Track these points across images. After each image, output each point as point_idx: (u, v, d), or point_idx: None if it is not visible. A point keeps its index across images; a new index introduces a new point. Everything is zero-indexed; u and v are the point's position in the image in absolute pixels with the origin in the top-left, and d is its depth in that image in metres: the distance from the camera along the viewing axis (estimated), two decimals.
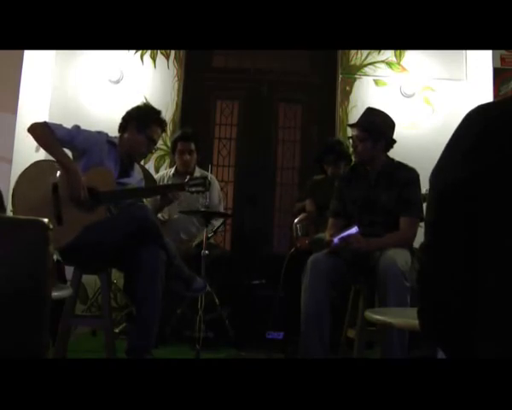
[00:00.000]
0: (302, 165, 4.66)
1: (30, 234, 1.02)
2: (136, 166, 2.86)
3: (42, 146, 2.60)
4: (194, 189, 2.77)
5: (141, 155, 2.84)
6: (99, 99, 4.38)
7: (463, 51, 4.46)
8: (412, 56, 4.51)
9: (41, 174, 2.50)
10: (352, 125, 2.82)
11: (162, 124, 2.80)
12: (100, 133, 2.70)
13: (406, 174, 2.66)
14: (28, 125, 2.57)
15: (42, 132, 2.53)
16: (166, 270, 2.47)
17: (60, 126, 2.57)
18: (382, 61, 4.52)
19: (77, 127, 2.62)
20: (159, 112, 2.80)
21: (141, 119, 2.73)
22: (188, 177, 2.90)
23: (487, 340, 0.77)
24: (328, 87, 4.62)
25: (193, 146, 3.70)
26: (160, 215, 3.36)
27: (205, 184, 2.77)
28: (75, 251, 2.43)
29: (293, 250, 3.44)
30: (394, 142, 2.74)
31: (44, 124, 2.57)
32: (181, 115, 4.53)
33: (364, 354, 2.55)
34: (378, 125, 2.69)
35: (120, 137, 2.76)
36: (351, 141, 2.78)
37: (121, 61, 4.44)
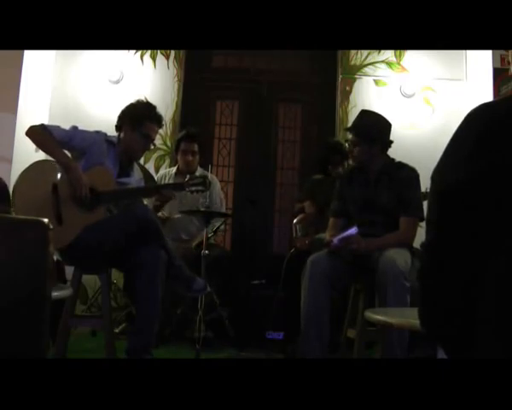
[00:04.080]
0: (302, 165, 4.65)
1: (30, 234, 1.02)
2: (136, 166, 2.85)
3: (41, 148, 2.59)
4: (194, 188, 2.77)
5: (138, 154, 2.81)
6: (99, 99, 4.38)
7: (463, 51, 4.46)
8: (412, 56, 4.51)
9: (41, 174, 2.49)
10: (346, 130, 2.84)
11: (157, 119, 2.74)
12: (98, 133, 2.69)
13: (406, 174, 2.65)
14: (28, 124, 2.57)
15: (40, 135, 2.53)
16: (167, 270, 2.47)
17: (57, 128, 2.57)
18: (382, 61, 4.52)
19: (74, 128, 2.62)
20: (153, 107, 2.74)
21: (134, 117, 2.69)
22: (188, 176, 2.89)
23: (487, 340, 0.77)
24: (328, 87, 4.62)
25: (196, 147, 3.69)
26: (159, 213, 3.36)
27: (205, 183, 2.77)
28: (75, 251, 2.43)
29: (293, 250, 3.44)
30: (391, 142, 2.74)
31: (42, 126, 2.56)
32: (181, 115, 4.52)
33: (364, 354, 2.55)
34: (372, 129, 2.69)
35: (118, 136, 2.75)
36: (347, 144, 2.82)
37: (121, 61, 4.44)
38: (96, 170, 2.56)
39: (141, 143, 2.71)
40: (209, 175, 3.11)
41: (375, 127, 2.70)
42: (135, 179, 2.77)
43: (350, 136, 2.76)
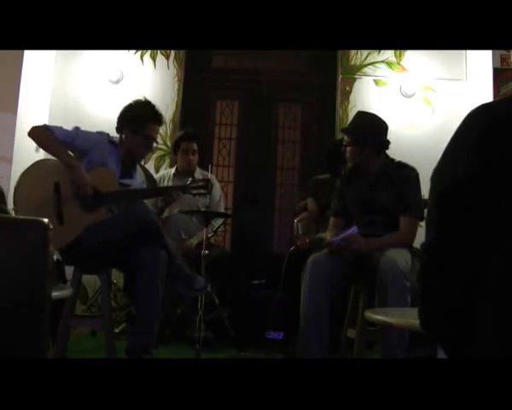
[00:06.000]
0: (302, 165, 4.66)
1: (30, 234, 1.02)
2: (138, 168, 2.85)
3: (43, 148, 2.59)
4: (195, 191, 2.76)
5: (141, 156, 2.83)
6: (99, 99, 4.38)
7: (463, 51, 4.46)
8: (412, 56, 4.51)
9: (42, 174, 2.50)
10: (342, 131, 2.86)
11: (158, 119, 2.72)
12: (100, 134, 2.69)
13: (406, 174, 2.65)
14: (28, 124, 2.57)
15: (42, 135, 2.53)
16: (167, 270, 2.47)
17: (59, 128, 2.57)
18: (382, 61, 4.52)
19: (76, 128, 2.62)
20: (152, 107, 2.71)
21: (135, 119, 2.67)
22: (190, 179, 2.87)
23: (487, 340, 0.77)
24: (328, 87, 4.62)
25: (195, 146, 3.71)
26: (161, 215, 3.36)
27: (207, 186, 2.75)
28: (76, 251, 2.43)
29: (292, 249, 3.44)
30: (388, 143, 2.73)
31: (44, 126, 2.56)
32: (181, 115, 4.53)
33: (364, 354, 2.55)
34: (364, 131, 2.68)
35: (120, 137, 2.74)
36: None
37: (121, 61, 4.44)
38: (99, 171, 2.56)
39: (144, 145, 2.71)
40: (209, 175, 3.11)
41: (366, 129, 2.70)
42: (137, 181, 2.77)
43: (345, 137, 2.79)
